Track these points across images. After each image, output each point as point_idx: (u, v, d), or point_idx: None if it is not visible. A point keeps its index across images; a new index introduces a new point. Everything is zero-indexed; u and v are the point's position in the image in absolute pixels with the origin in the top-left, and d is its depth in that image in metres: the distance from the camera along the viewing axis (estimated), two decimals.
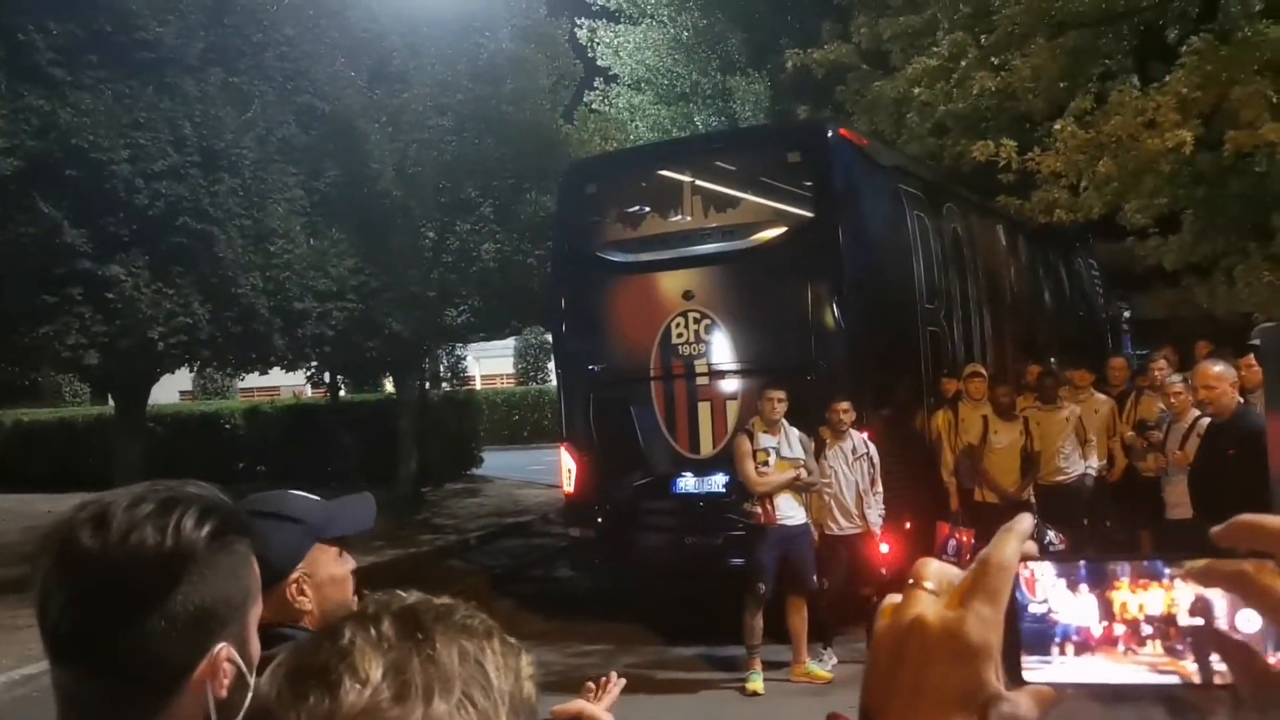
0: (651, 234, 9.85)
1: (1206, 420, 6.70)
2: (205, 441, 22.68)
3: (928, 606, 0.67)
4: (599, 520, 9.66)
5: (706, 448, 9.21)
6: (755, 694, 7.62)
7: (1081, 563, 0.70)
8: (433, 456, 19.39)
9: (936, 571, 0.69)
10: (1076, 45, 11.21)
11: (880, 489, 8.10)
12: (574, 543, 10.32)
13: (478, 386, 38.81)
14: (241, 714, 1.18)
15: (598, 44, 21.69)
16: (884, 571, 8.08)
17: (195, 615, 1.18)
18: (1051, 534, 8.26)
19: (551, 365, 21.05)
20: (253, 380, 22.88)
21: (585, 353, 9.95)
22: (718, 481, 9.01)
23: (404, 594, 0.87)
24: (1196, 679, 0.66)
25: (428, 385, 22.01)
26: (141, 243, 12.26)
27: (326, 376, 23.11)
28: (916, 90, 12.41)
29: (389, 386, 23.84)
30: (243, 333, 13.37)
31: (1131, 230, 12.12)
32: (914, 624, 0.66)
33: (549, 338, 18.86)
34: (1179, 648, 0.67)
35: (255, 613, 1.28)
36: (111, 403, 17.44)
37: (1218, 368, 6.40)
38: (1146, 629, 0.68)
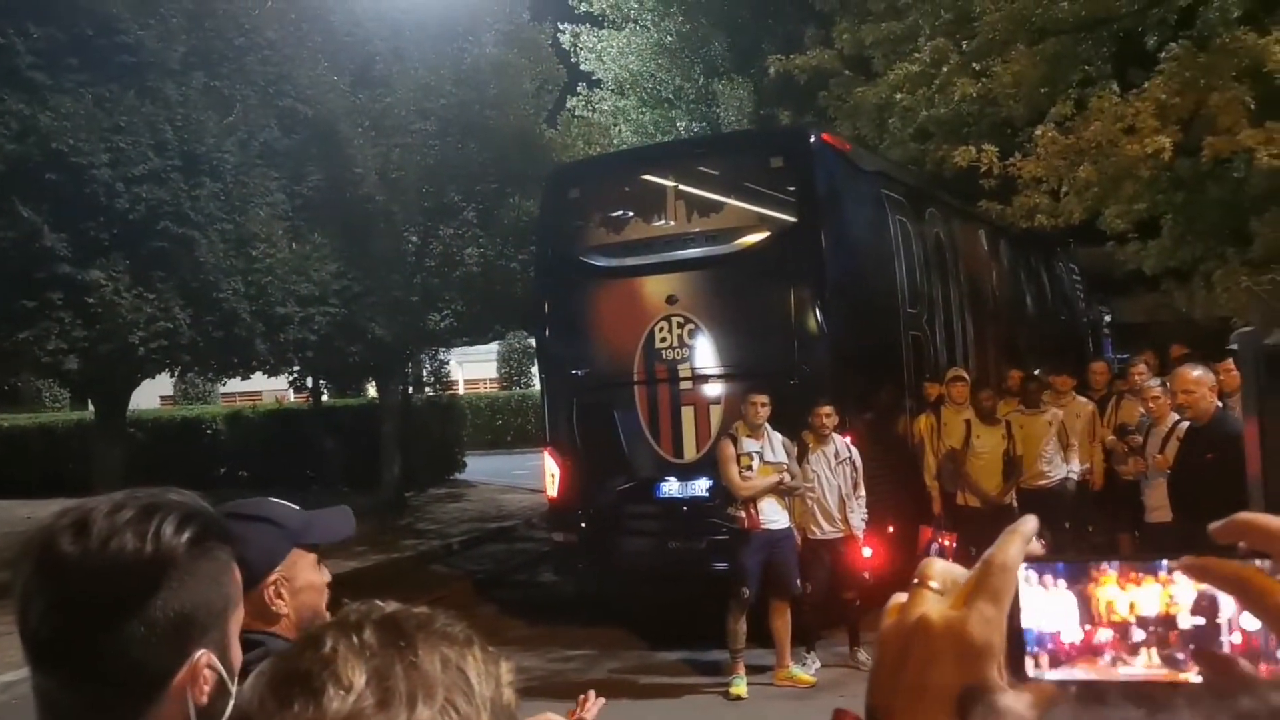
0: (635, 238, 9.86)
1: (1186, 424, 6.75)
2: (186, 447, 22.56)
3: (932, 606, 0.68)
4: (582, 525, 9.65)
5: (690, 452, 9.22)
6: (739, 698, 7.62)
7: (1059, 564, 0.70)
8: (416, 461, 19.34)
9: (942, 571, 0.70)
10: (1056, 52, 11.28)
11: (863, 493, 8.12)
12: (557, 547, 10.31)
13: (461, 391, 38.69)
14: None
15: (581, 49, 21.71)
16: (867, 576, 8.10)
17: (175, 621, 1.18)
18: None
19: (535, 370, 21.03)
20: (234, 385, 22.81)
21: (569, 357, 9.94)
22: (701, 486, 9.01)
23: (382, 603, 0.87)
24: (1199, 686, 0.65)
25: (410, 390, 21.93)
26: (122, 247, 12.19)
27: (309, 381, 22.99)
28: (898, 96, 12.47)
29: (372, 391, 23.75)
30: (224, 337, 13.31)
31: (1112, 235, 12.20)
32: (919, 623, 0.67)
33: (532, 342, 18.85)
34: (1179, 656, 0.66)
35: (237, 620, 1.28)
36: (92, 408, 17.34)
37: (1196, 372, 6.45)
38: (1139, 634, 0.67)
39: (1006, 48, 10.91)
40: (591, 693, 2.23)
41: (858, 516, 8.08)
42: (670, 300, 9.30)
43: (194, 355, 13.84)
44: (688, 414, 9.26)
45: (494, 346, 37.72)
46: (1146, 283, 14.28)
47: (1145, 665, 0.67)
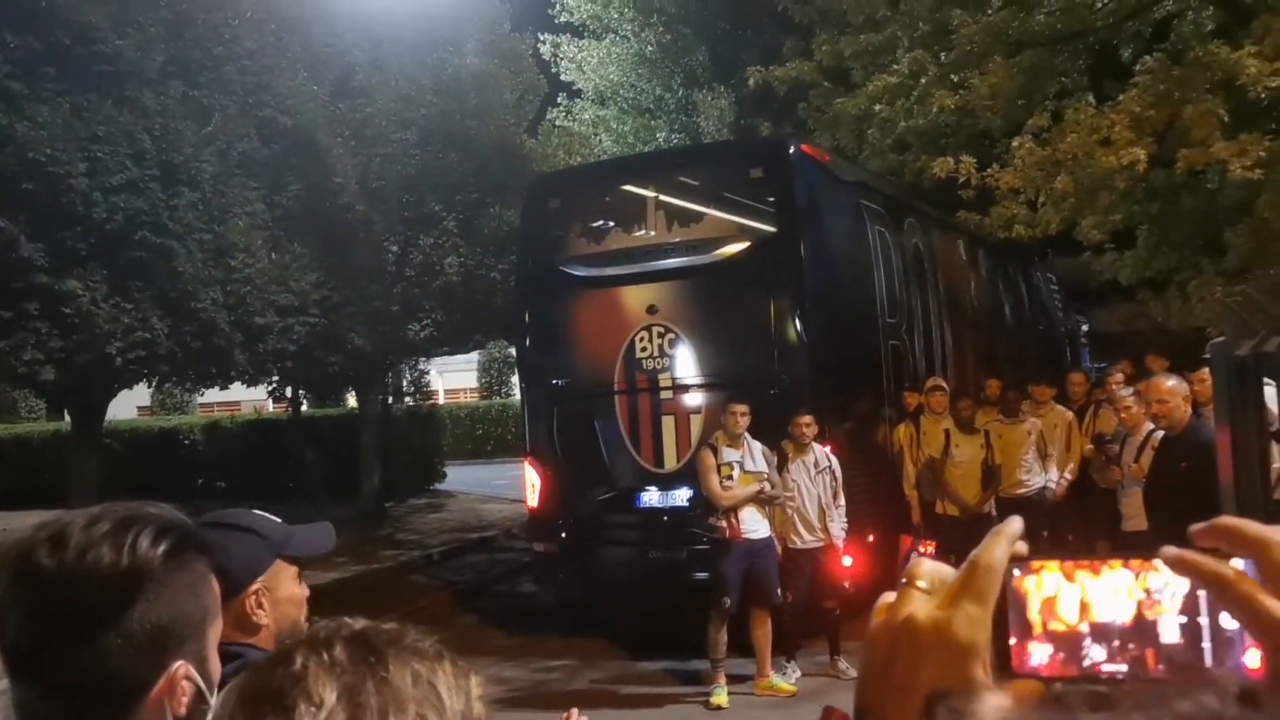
0: (615, 248, 9.88)
1: (1160, 434, 6.80)
2: (164, 458, 22.35)
3: (920, 605, 0.68)
4: (563, 535, 9.64)
5: (670, 462, 9.22)
6: (719, 708, 7.61)
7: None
8: (396, 471, 19.26)
9: (930, 570, 0.71)
10: (1033, 64, 11.39)
11: (843, 502, 8.15)
12: (538, 558, 10.29)
13: (441, 401, 38.57)
14: None
15: (562, 59, 21.75)
16: (847, 585, 8.12)
17: (152, 633, 1.18)
18: None
19: (515, 379, 20.99)
20: (212, 395, 22.62)
21: (549, 367, 9.94)
22: (682, 495, 9.02)
23: (352, 620, 0.87)
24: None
25: (390, 400, 21.84)
26: (99, 257, 12.10)
27: (288, 391, 22.88)
28: (877, 107, 12.55)
29: (351, 401, 23.65)
30: (202, 348, 13.22)
31: (1088, 245, 12.29)
32: (906, 623, 0.68)
33: (513, 352, 18.82)
34: (1141, 654, 0.67)
35: (215, 631, 1.29)
36: (68, 418, 17.19)
37: (1170, 382, 6.51)
38: (1111, 629, 0.68)
39: (984, 60, 11.00)
40: (575, 710, 2.23)
41: (837, 526, 8.10)
42: (650, 310, 9.32)
43: (172, 365, 13.75)
44: (668, 423, 9.27)
45: (474, 356, 37.67)
46: (1123, 292, 14.39)
47: (1110, 661, 0.68)
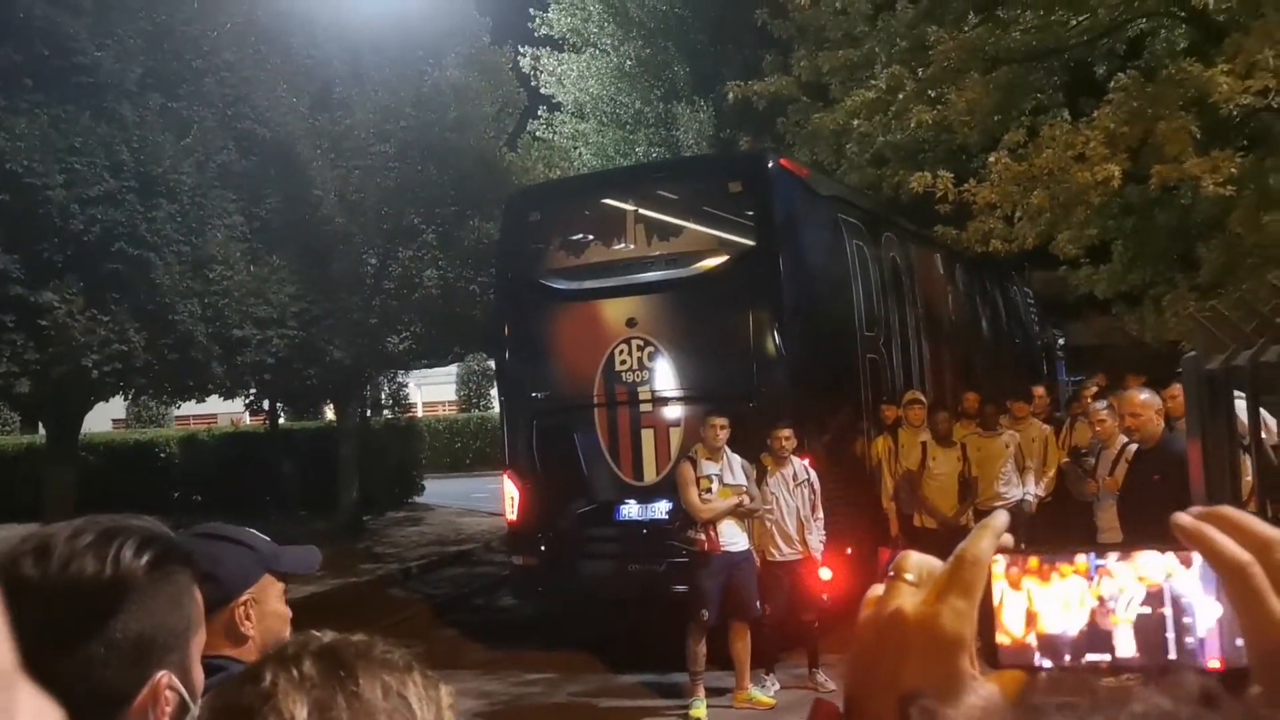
0: (595, 261, 9.90)
1: (1134, 447, 6.86)
2: (140, 471, 22.19)
3: (907, 599, 0.69)
4: (542, 548, 9.62)
5: (650, 475, 9.23)
6: None
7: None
8: (374, 484, 19.18)
9: (918, 563, 0.71)
10: (1009, 80, 11.50)
11: (821, 515, 8.17)
12: (517, 571, 10.26)
13: (420, 413, 38.48)
14: None
15: (541, 72, 21.77)
16: (825, 597, 8.15)
17: (136, 643, 1.19)
18: None
19: (494, 392, 20.94)
20: (189, 408, 22.50)
21: (528, 380, 9.94)
22: (661, 508, 9.03)
23: (320, 634, 0.88)
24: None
25: (369, 412, 21.78)
26: (76, 269, 12.03)
27: (266, 404, 22.76)
28: (855, 122, 12.63)
29: (330, 414, 23.55)
30: (179, 360, 13.15)
31: (1064, 260, 12.39)
32: (893, 616, 0.69)
33: (491, 364, 18.79)
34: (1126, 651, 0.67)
35: (199, 642, 1.30)
36: (43, 431, 17.04)
37: (1143, 396, 6.57)
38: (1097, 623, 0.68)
39: (960, 76, 11.09)
40: None
41: (816, 538, 8.13)
42: (630, 323, 9.34)
43: (149, 378, 13.67)
44: (647, 436, 9.29)
45: (453, 369, 37.56)
46: (1099, 306, 14.52)
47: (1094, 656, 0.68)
